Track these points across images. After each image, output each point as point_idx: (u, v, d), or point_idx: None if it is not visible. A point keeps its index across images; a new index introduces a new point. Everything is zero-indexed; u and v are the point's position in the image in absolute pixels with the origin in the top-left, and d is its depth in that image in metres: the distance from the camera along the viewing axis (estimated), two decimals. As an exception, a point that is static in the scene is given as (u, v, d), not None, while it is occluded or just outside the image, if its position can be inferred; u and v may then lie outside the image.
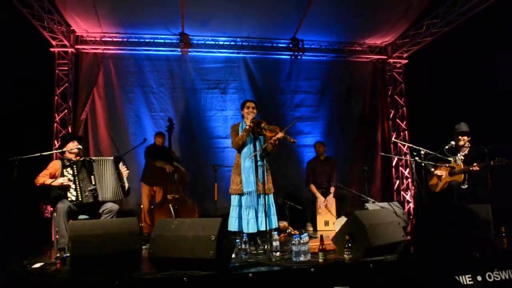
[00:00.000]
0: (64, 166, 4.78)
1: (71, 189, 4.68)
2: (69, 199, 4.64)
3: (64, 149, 5.03)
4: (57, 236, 4.51)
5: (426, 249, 3.95)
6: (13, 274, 3.78)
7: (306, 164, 7.46)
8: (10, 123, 6.56)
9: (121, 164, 5.09)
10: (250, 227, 4.53)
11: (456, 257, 3.79)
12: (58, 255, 4.42)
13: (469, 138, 5.89)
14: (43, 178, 4.73)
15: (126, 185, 5.06)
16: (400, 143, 8.53)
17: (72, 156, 4.99)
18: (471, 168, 5.56)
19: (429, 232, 4.08)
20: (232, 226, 4.60)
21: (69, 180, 4.69)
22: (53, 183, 4.68)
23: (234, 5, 6.93)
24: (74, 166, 4.76)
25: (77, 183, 4.72)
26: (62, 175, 4.73)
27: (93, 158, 5.00)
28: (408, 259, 3.82)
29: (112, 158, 5.06)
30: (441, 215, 4.22)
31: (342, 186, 7.05)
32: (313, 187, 7.06)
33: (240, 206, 4.65)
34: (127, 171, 5.13)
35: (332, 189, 6.98)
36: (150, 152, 6.82)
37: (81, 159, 4.91)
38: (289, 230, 6.38)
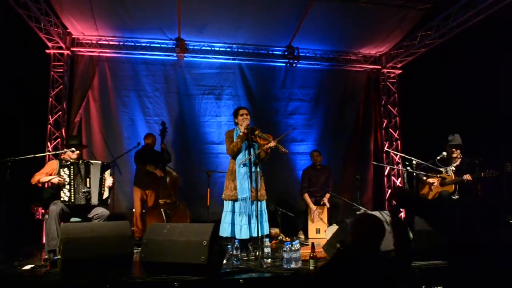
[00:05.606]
0: (61, 166, 4.80)
1: (65, 189, 4.69)
2: (62, 198, 4.64)
3: (65, 150, 5.06)
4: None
5: None
6: (3, 275, 3.76)
7: (302, 172, 7.44)
8: (3, 124, 6.53)
9: (107, 172, 5.07)
10: (242, 233, 4.54)
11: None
12: (46, 257, 4.41)
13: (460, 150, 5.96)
14: (39, 176, 4.73)
15: (106, 194, 5.00)
16: (393, 153, 8.55)
17: (69, 159, 5.01)
18: (464, 178, 5.61)
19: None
20: (225, 232, 4.59)
21: (64, 180, 4.70)
22: (49, 180, 4.68)
23: (231, 11, 6.97)
24: (72, 167, 4.78)
25: (72, 183, 4.73)
26: (59, 175, 4.74)
27: (91, 161, 5.02)
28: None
29: (100, 162, 5.08)
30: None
31: (334, 194, 7.08)
32: (306, 197, 7.06)
33: (233, 212, 4.65)
34: (112, 181, 5.07)
35: (327, 195, 6.97)
36: (140, 156, 6.78)
37: (79, 160, 4.94)
38: (281, 237, 6.40)
